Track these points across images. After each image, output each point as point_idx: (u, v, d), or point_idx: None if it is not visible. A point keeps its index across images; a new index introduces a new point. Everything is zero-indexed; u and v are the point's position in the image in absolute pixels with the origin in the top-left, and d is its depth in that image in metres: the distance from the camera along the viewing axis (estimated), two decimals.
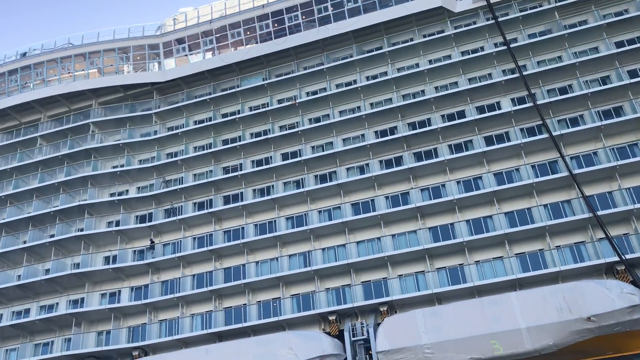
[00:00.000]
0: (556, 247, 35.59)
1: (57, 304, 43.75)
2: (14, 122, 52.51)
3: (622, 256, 33.04)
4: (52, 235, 45.46)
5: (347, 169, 42.74)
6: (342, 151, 42.40)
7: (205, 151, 45.90)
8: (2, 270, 45.23)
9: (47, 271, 44.24)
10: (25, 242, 45.80)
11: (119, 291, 42.98)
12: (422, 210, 38.99)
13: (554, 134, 37.94)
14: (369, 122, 43.23)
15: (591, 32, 41.02)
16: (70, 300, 43.31)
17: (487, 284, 35.15)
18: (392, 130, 42.96)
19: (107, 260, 44.35)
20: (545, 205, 37.09)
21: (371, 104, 44.58)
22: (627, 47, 39.48)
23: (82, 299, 42.96)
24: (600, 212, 34.88)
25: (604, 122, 37.40)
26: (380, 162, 42.17)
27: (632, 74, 39.09)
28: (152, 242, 43.87)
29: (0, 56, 52.86)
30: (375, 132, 43.42)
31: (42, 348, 42.42)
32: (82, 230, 45.06)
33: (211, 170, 45.55)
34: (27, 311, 44.22)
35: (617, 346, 31.25)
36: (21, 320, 42.63)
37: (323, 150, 43.79)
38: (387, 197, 40.69)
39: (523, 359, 31.40)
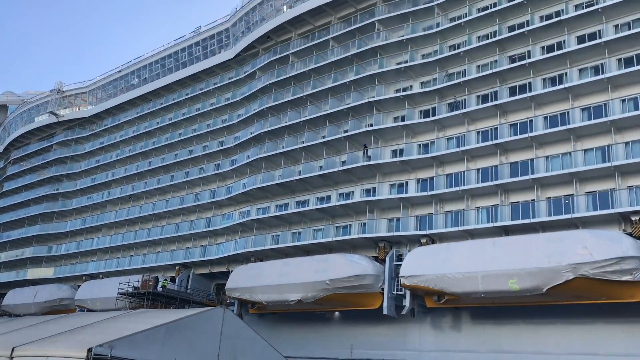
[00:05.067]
0: None
1: (353, 192, 48.28)
2: (309, 26, 57.23)
3: None
4: (346, 131, 49.54)
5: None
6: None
7: (489, 40, 43.78)
8: (306, 162, 51.40)
9: (343, 163, 48.76)
10: (324, 137, 50.92)
11: (406, 182, 45.33)
12: None
13: None
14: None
15: None
16: (363, 189, 47.37)
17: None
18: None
19: (394, 153, 46.82)
20: None
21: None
22: None
23: (374, 188, 46.55)
24: None
25: None
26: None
27: None
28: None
29: None
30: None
31: (342, 230, 47.78)
32: (371, 125, 48.06)
33: (496, 61, 43.45)
34: (329, 198, 49.90)
35: None
36: (324, 205, 48.45)
37: (629, 29, 37.85)
38: None
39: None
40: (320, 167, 50.46)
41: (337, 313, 46.92)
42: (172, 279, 56.24)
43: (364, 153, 47.34)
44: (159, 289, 49.28)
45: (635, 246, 31.69)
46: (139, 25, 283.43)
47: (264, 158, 54.05)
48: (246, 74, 62.15)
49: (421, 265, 38.40)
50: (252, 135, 56.50)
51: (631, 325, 33.29)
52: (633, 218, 33.40)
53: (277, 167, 53.84)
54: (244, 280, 48.05)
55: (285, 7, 58.14)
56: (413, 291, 39.72)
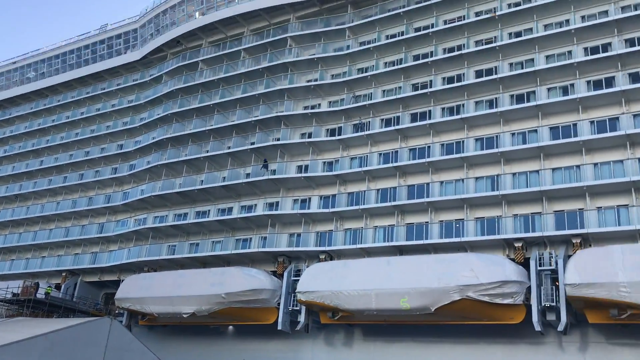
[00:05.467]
0: None
1: (255, 205, 48.08)
2: (221, 35, 56.76)
3: None
4: (253, 143, 49.38)
5: (549, 90, 39.54)
6: (545, 69, 39.10)
7: (396, 67, 45.50)
8: (209, 172, 50.59)
9: (248, 175, 48.52)
10: (229, 148, 50.41)
11: (309, 198, 45.79)
12: (632, 139, 34.97)
13: None
14: (577, 38, 39.05)
15: None
16: (266, 203, 47.28)
17: None
18: (606, 47, 38.37)
19: (299, 169, 47.21)
20: None
21: (583, 17, 40.06)
22: None
23: (277, 202, 46.61)
24: None
25: None
26: (588, 82, 38.24)
27: None
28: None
29: None
30: (585, 49, 39.16)
31: (241, 243, 47.31)
32: (278, 139, 48.23)
33: (400, 87, 45.17)
34: (230, 209, 49.33)
35: None
36: (225, 217, 47.81)
37: (522, 68, 40.82)
38: (592, 122, 37.06)
39: None
40: (224, 177, 49.86)
41: (230, 327, 46.25)
42: (58, 286, 53.07)
43: (263, 167, 47.39)
44: (40, 295, 46.25)
45: (517, 271, 33.85)
46: (39, 15, 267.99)
47: (165, 165, 52.63)
48: (152, 77, 60.50)
49: (318, 282, 38.79)
50: (154, 140, 54.89)
51: (510, 345, 35.42)
52: (516, 244, 35.69)
53: (178, 175, 52.57)
54: (135, 290, 46.22)
55: (197, 14, 57.32)
56: (309, 307, 39.98)
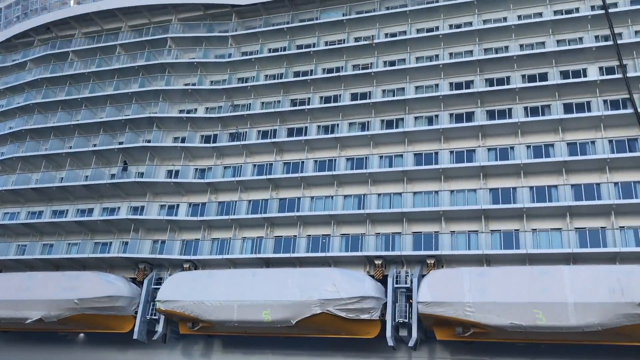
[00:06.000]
0: (620, 227, 34.35)
1: (119, 208, 45.88)
2: (97, 27, 53.90)
3: None
4: (121, 142, 47.21)
5: (415, 118, 42.02)
6: (413, 99, 41.57)
7: (276, 81, 45.97)
8: (71, 169, 47.55)
9: (113, 176, 46.26)
10: (95, 145, 47.78)
11: (178, 205, 44.58)
12: (485, 170, 38.16)
13: None
14: (445, 73, 42.01)
15: None
16: (131, 207, 45.33)
17: (541, 254, 34.52)
18: (468, 84, 41.69)
19: (169, 173, 45.86)
20: (616, 183, 35.57)
21: (450, 54, 43.19)
22: None
23: (142, 207, 44.86)
24: None
25: None
26: (451, 115, 41.17)
27: None
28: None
29: None
30: (450, 84, 42.22)
31: (100, 247, 44.87)
32: (149, 141, 46.54)
33: (279, 101, 45.67)
34: (91, 211, 46.64)
35: None
36: (84, 218, 45.11)
37: (394, 96, 43.08)
38: (451, 152, 39.92)
39: (563, 334, 31.08)
40: (86, 176, 47.11)
41: (81, 335, 43.50)
42: None
43: (123, 170, 45.49)
44: None
45: (376, 287, 35.38)
46: None
47: (22, 158, 48.69)
48: (15, 62, 55.94)
49: (180, 291, 37.81)
50: (11, 130, 50.68)
51: (364, 359, 36.77)
52: (377, 262, 37.32)
53: (35, 169, 48.84)
54: None
55: (72, 2, 54.10)
56: (168, 316, 38.78)
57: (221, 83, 48.01)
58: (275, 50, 48.07)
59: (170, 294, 37.84)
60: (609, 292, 30.33)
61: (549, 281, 31.80)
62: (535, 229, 35.98)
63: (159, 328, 39.24)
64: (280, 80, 45.79)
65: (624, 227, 34.40)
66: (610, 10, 39.07)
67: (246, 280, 37.11)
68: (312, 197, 41.71)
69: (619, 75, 37.40)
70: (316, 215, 40.24)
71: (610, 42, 38.40)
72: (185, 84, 48.92)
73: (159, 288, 39.47)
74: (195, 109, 48.26)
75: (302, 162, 42.80)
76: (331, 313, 34.18)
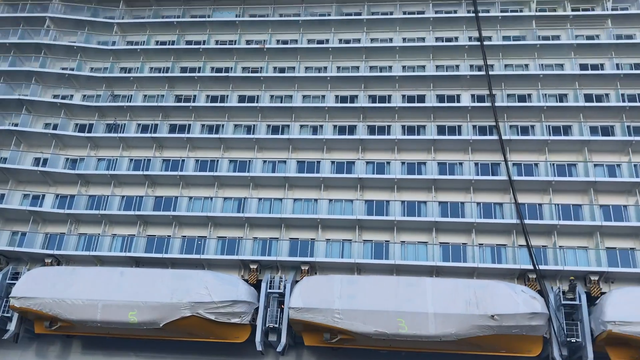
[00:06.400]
0: (479, 244, 37.06)
1: None
2: None
3: (537, 266, 34.84)
4: None
5: (301, 126, 42.65)
6: (300, 107, 42.20)
7: (161, 74, 44.64)
8: None
9: None
10: None
11: (43, 195, 41.66)
12: (363, 182, 39.55)
13: (504, 137, 39.07)
14: (332, 85, 43.08)
15: (561, 48, 42.08)
16: None
17: (408, 265, 36.34)
18: (353, 99, 43.03)
19: (36, 161, 42.77)
20: (478, 203, 38.37)
21: (338, 68, 44.38)
22: (589, 72, 40.92)
23: (3, 195, 41.43)
24: (527, 221, 36.48)
25: (551, 138, 38.84)
26: (335, 126, 42.26)
27: (588, 97, 40.55)
28: None
29: None
30: (337, 97, 43.34)
31: None
32: (16, 125, 43.11)
33: (163, 95, 44.28)
34: None
35: (511, 347, 33.17)
36: None
37: (281, 102, 43.44)
38: (333, 162, 40.97)
39: (423, 342, 32.90)
40: None
41: None
42: None
43: None
44: None
45: (248, 292, 35.32)
46: None
47: None
48: None
49: (38, 287, 35.33)
50: None
51: None
52: (252, 266, 37.27)
53: None
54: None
55: None
56: (23, 314, 36.10)
57: (102, 71, 45.68)
58: (163, 43, 46.65)
59: (28, 290, 35.28)
60: (466, 304, 32.59)
61: (413, 291, 33.56)
62: (404, 241, 37.84)
63: (11, 327, 36.48)
64: (165, 74, 44.49)
65: (482, 244, 37.18)
66: (485, 43, 42.22)
67: (113, 279, 35.46)
68: (190, 197, 40.85)
69: (488, 104, 40.47)
70: (193, 216, 39.45)
71: (483, 72, 41.49)
72: (63, 68, 45.95)
73: (14, 283, 36.62)
74: (71, 96, 45.43)
75: (183, 160, 41.81)
76: (201, 316, 33.60)
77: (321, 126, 42.22)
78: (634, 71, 40.65)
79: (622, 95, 40.30)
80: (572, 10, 43.60)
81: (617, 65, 41.33)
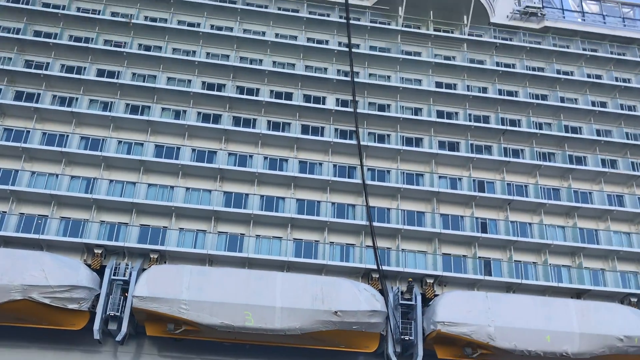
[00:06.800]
0: (330, 242, 38.39)
1: None
2: None
3: (380, 266, 36.86)
4: None
5: (163, 109, 41.20)
6: (163, 89, 40.75)
7: (10, 35, 40.74)
8: None
9: None
10: None
11: None
12: (223, 173, 39.22)
13: (362, 143, 40.85)
14: (199, 71, 42.12)
15: (420, 65, 44.92)
16: None
17: (261, 259, 36.62)
18: (220, 87, 42.39)
19: None
20: (333, 203, 39.73)
21: (208, 54, 43.47)
22: (443, 90, 44.16)
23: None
24: (375, 224, 38.45)
25: (404, 148, 41.34)
26: (199, 113, 41.35)
27: (440, 114, 43.76)
28: None
29: None
30: (203, 83, 42.45)
31: None
32: None
33: (10, 58, 40.40)
34: None
35: (350, 342, 34.79)
36: None
37: (144, 81, 41.57)
38: (194, 150, 40.11)
39: (268, 336, 33.40)
40: None
41: None
42: None
43: None
44: None
45: (90, 277, 33.38)
46: None
47: None
48: None
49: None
50: None
51: (65, 352, 34.19)
52: (96, 250, 35.29)
53: None
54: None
55: None
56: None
57: None
58: (16, 1, 42.45)
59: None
60: (312, 300, 33.62)
61: (263, 285, 33.91)
62: (260, 235, 38.09)
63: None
64: (16, 36, 40.61)
65: (333, 242, 38.58)
66: (353, 50, 43.75)
67: None
68: (33, 172, 37.74)
69: (351, 109, 42.03)
70: (34, 192, 36.49)
71: (348, 78, 42.96)
72: None
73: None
74: None
75: (28, 131, 38.58)
76: (34, 300, 31.18)
77: (184, 111, 41.09)
78: (481, 94, 44.54)
79: (470, 115, 44.04)
80: (434, 30, 46.71)
81: (467, 86, 45.02)
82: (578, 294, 38.78)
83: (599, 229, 41.72)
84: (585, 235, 41.19)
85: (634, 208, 42.20)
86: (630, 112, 45.75)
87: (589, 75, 47.46)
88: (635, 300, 38.59)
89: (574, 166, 42.75)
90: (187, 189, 38.84)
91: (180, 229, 37.50)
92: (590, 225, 41.84)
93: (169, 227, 37.15)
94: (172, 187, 38.54)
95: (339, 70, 44.27)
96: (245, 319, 32.85)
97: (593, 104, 46.18)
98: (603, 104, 46.62)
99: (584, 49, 48.17)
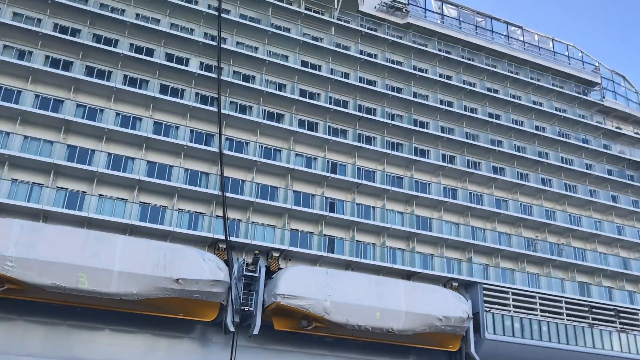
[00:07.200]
0: (179, 209, 37.49)
1: None
2: None
3: (228, 237, 36.78)
4: None
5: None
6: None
7: None
8: None
9: None
10: None
11: None
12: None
13: (223, 111, 40.26)
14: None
15: (288, 41, 45.37)
16: None
17: (102, 220, 34.79)
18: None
19: None
20: (186, 169, 38.80)
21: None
22: (307, 69, 44.90)
23: None
24: (228, 194, 38.25)
25: (265, 122, 41.55)
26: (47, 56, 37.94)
27: (302, 92, 44.60)
28: None
29: None
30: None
31: None
32: None
33: None
34: None
35: (188, 311, 34.27)
36: None
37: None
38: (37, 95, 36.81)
39: (103, 300, 32.01)
40: None
41: None
42: None
43: None
44: None
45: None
46: None
47: None
48: None
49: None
50: None
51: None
52: None
53: None
54: None
55: None
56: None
57: None
58: None
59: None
60: (153, 266, 32.75)
61: (101, 247, 32.33)
62: (103, 195, 36.13)
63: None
64: None
65: (182, 209, 37.73)
66: (222, 15, 42.75)
67: None
68: None
69: (214, 75, 41.10)
70: None
71: (215, 43, 41.84)
72: None
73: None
74: None
75: None
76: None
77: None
78: (343, 79, 45.91)
79: (330, 97, 45.22)
80: (306, 9, 47.10)
81: (331, 70, 46.19)
82: (408, 276, 41.85)
83: (433, 217, 45.27)
84: (421, 222, 44.43)
85: (464, 201, 46.30)
86: (472, 114, 49.90)
87: (440, 75, 50.95)
88: (457, 284, 42.58)
89: (417, 158, 45.79)
90: (26, 137, 35.63)
91: (14, 179, 34.36)
92: (426, 213, 45.21)
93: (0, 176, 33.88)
94: (7, 134, 35.14)
95: (205, 34, 43.05)
96: (79, 281, 31.10)
97: (441, 102, 49.75)
98: (450, 104, 50.38)
99: (440, 50, 51.63)
